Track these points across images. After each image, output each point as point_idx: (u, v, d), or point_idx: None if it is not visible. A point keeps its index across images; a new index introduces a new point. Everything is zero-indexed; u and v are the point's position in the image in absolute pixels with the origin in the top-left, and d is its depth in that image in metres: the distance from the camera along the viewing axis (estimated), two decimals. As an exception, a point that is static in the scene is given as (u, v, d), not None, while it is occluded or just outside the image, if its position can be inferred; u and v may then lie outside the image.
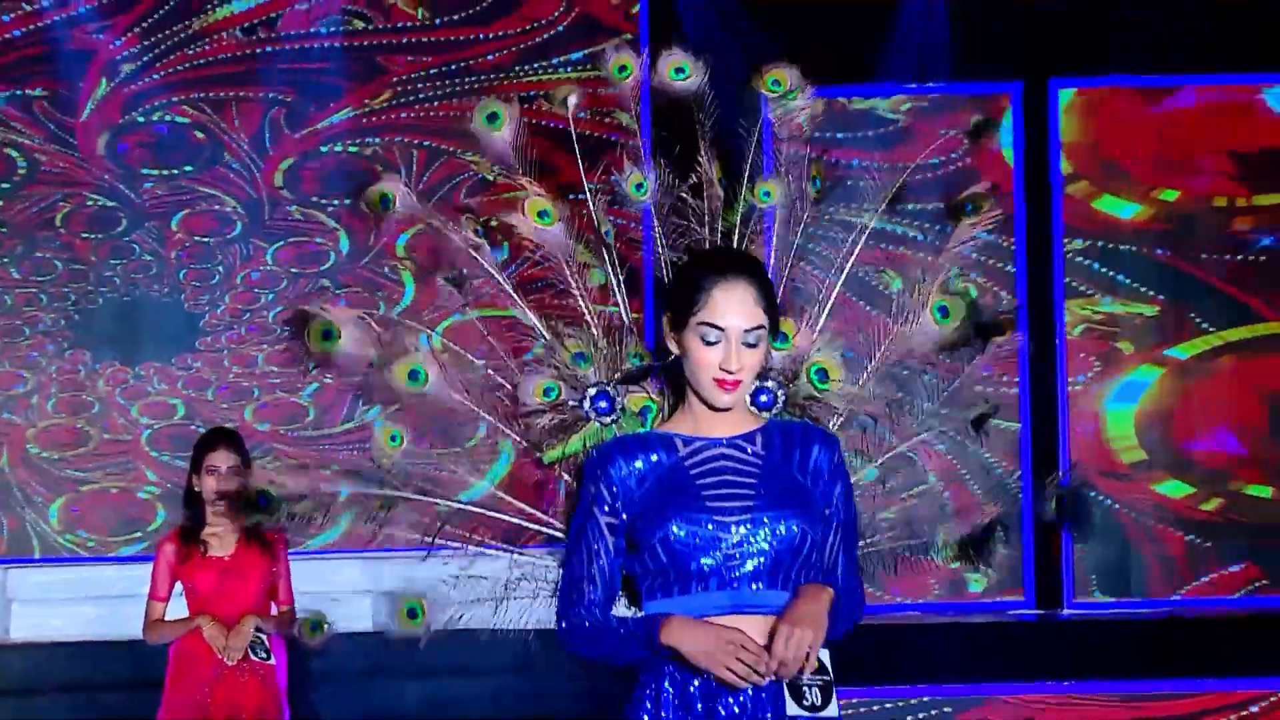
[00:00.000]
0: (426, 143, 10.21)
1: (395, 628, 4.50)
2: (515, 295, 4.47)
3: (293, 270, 10.22)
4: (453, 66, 10.28)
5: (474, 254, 4.47)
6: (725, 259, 3.99)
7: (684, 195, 4.50)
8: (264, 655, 7.08)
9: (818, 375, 4.42)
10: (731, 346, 3.78)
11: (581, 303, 4.46)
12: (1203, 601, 9.94)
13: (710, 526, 3.79)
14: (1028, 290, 9.83)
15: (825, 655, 3.79)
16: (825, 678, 3.78)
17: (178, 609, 7.16)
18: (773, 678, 3.71)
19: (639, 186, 4.51)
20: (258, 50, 10.25)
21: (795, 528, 3.80)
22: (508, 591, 4.38)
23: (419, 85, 10.28)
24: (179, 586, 7.16)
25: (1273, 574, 10.00)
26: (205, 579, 7.09)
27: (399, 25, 10.28)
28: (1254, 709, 8.44)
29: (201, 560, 7.10)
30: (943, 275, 4.57)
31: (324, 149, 10.26)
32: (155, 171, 10.22)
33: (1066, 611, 9.85)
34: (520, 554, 4.40)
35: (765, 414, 4.22)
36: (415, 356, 4.40)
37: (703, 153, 4.53)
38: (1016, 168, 9.94)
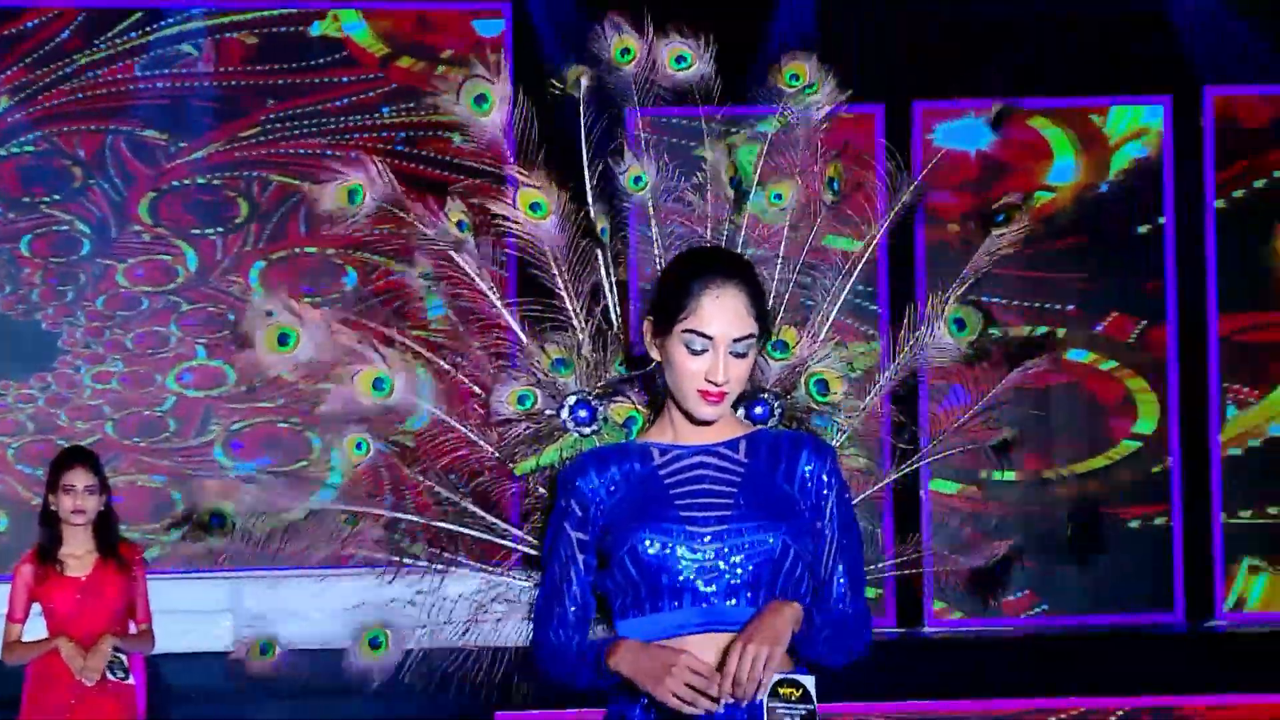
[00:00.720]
0: (273, 176, 10.39)
1: (356, 660, 4.16)
2: (491, 296, 4.12)
3: (145, 290, 10.33)
4: (319, 107, 10.45)
5: (453, 251, 4.12)
6: (715, 262, 3.65)
7: (685, 194, 4.20)
8: (123, 675, 7.01)
9: (817, 387, 4.11)
10: (719, 356, 3.53)
11: (569, 303, 4.14)
12: (1061, 621, 10.11)
13: (682, 538, 3.54)
14: (889, 321, 9.91)
15: (810, 682, 3.47)
16: (808, 706, 3.43)
17: (37, 629, 7.07)
18: (730, 699, 3.44)
19: (637, 180, 4.20)
20: (126, 88, 10.39)
21: (774, 540, 3.54)
22: (476, 614, 4.08)
23: (282, 124, 10.44)
24: (37, 607, 7.07)
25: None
26: (63, 599, 7.01)
27: (272, 68, 10.43)
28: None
29: (59, 580, 7.03)
30: (961, 287, 4.29)
31: (176, 183, 10.39)
32: (23, 199, 10.30)
33: (928, 629, 9.98)
34: (493, 573, 4.09)
35: (758, 425, 3.92)
36: (379, 365, 4.04)
37: (708, 148, 4.22)
38: (881, 191, 10.00)
